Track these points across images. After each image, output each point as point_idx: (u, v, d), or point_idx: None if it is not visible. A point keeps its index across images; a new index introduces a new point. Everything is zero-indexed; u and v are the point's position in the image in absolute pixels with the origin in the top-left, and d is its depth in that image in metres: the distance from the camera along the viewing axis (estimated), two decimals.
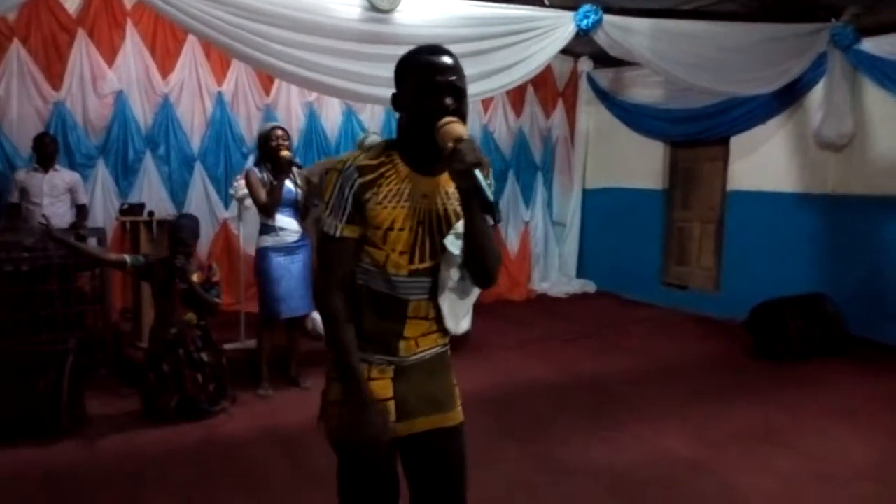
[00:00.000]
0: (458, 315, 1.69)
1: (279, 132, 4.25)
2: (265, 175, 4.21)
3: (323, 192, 1.59)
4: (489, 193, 1.42)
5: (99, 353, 4.53)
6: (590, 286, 8.18)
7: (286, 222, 4.26)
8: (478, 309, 1.83)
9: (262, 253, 4.27)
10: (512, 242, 7.99)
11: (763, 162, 6.45)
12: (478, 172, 1.41)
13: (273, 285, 4.21)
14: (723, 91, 5.94)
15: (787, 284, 5.71)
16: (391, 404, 1.62)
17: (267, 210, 4.20)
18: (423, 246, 1.59)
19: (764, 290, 5.59)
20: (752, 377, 4.90)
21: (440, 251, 1.61)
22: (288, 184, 4.23)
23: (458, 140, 1.44)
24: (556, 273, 8.30)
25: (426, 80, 1.54)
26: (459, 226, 1.59)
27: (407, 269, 1.59)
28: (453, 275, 1.63)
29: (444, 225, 1.61)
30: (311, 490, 3.04)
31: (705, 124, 6.81)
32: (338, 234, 1.56)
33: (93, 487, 3.09)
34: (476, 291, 1.71)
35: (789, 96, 6.04)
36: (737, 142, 6.71)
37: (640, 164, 7.70)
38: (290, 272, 4.24)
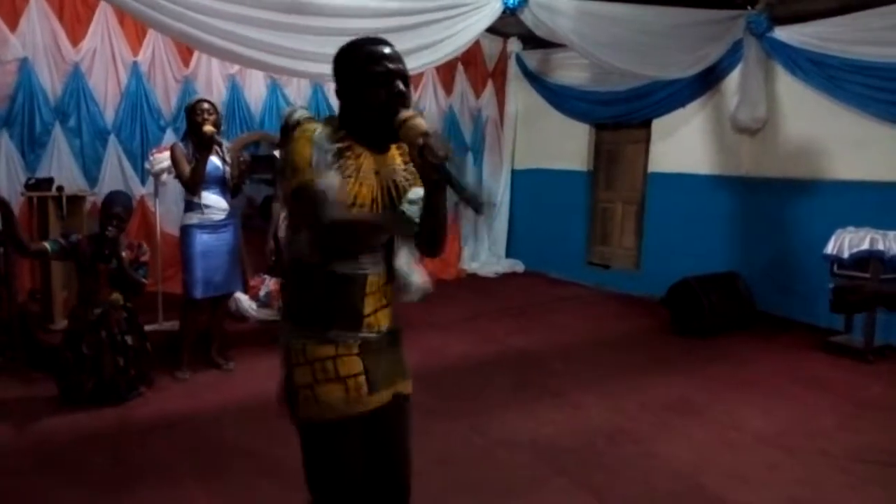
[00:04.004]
0: (412, 278, 1.77)
1: (204, 105, 4.09)
2: (189, 150, 4.05)
3: (292, 157, 1.56)
4: (465, 183, 1.47)
5: (4, 336, 4.28)
6: (519, 266, 8.29)
7: (212, 200, 4.11)
8: None
9: (186, 230, 4.11)
10: None
11: (682, 145, 6.66)
12: (448, 165, 1.46)
13: (196, 264, 4.07)
14: (644, 74, 6.08)
15: (703, 263, 5.95)
16: (362, 378, 1.64)
17: (190, 186, 4.05)
18: None
19: (681, 268, 5.81)
20: (669, 351, 5.09)
21: None
22: (215, 160, 4.08)
23: (426, 135, 1.48)
24: (486, 253, 8.37)
25: (379, 68, 1.58)
26: (412, 192, 1.66)
27: None
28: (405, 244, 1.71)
29: (397, 198, 1.67)
30: (225, 473, 2.99)
31: (628, 107, 6.96)
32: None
33: None
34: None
35: (708, 81, 6.25)
36: (658, 125, 6.89)
37: (567, 145, 7.81)
38: (216, 251, 4.11)
